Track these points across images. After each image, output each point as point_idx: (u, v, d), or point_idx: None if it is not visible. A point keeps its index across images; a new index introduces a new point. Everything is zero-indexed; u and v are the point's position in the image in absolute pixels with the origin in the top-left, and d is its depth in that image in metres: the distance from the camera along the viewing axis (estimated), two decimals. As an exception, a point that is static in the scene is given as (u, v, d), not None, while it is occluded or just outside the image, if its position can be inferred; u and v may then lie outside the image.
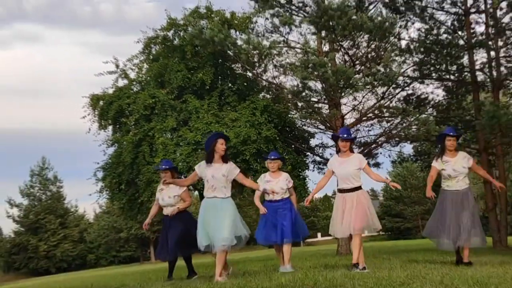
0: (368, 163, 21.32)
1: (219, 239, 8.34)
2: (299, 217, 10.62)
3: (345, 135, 9.21)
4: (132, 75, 20.64)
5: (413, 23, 21.07)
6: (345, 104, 20.30)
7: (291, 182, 10.43)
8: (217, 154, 8.73)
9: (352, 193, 8.98)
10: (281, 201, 10.09)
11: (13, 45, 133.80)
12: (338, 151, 9.55)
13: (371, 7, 20.40)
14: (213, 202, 8.61)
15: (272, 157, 10.43)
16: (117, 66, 20.46)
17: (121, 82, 20.44)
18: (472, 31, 20.64)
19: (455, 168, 9.55)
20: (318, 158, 21.69)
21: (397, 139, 21.01)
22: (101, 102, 20.21)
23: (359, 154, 9.75)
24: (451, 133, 9.77)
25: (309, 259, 14.25)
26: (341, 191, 9.14)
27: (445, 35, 20.88)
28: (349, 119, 20.42)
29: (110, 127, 20.58)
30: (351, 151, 9.34)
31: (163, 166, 10.70)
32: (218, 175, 8.59)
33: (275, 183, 10.09)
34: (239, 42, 18.43)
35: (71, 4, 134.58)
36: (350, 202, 8.93)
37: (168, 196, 10.44)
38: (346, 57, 20.18)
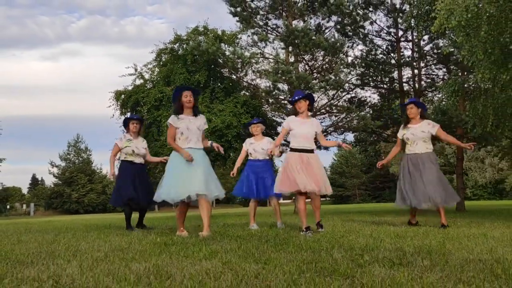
0: (319, 147, 21.60)
1: (197, 190, 6.62)
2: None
3: (298, 96, 7.22)
4: (147, 76, 20.56)
5: (357, 45, 21.19)
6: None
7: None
8: (185, 107, 7.00)
9: (312, 154, 7.08)
10: (263, 161, 8.78)
11: (60, 59, 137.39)
12: (296, 114, 7.36)
13: (326, 31, 20.41)
14: (189, 152, 6.78)
15: (255, 121, 9.08)
16: (136, 70, 20.41)
17: (138, 82, 20.38)
18: (401, 54, 20.85)
19: (414, 132, 7.94)
20: (283, 142, 21.67)
21: (342, 129, 21.09)
22: (122, 96, 20.14)
23: (316, 120, 7.73)
24: (410, 101, 8.25)
25: (273, 217, 14.16)
26: (300, 150, 6.98)
27: (381, 55, 21.08)
28: (307, 113, 20.41)
29: (128, 114, 20.51)
30: (310, 110, 7.41)
31: (135, 116, 9.08)
32: (193, 127, 6.91)
33: (257, 144, 8.82)
34: (227, 53, 18.36)
35: (104, 27, 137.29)
36: (306, 162, 6.91)
37: (142, 147, 8.88)
38: (307, 67, 20.18)
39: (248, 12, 19.33)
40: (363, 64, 20.31)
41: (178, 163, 6.83)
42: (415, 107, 8.11)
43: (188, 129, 6.89)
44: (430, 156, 7.93)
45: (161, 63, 20.55)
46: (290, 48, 18.95)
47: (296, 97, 7.24)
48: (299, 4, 19.47)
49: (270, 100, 20.01)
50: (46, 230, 9.80)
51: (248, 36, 19.94)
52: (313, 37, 17.59)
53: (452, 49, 15.22)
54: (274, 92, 19.20)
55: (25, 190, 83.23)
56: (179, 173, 6.75)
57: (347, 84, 20.16)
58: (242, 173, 9.07)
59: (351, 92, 21.45)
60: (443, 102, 19.55)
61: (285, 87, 19.16)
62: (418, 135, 7.92)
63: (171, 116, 6.98)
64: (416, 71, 20.83)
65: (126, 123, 9.02)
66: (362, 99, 21.72)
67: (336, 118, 21.01)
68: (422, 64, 21.02)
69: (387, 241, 5.38)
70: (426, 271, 3.28)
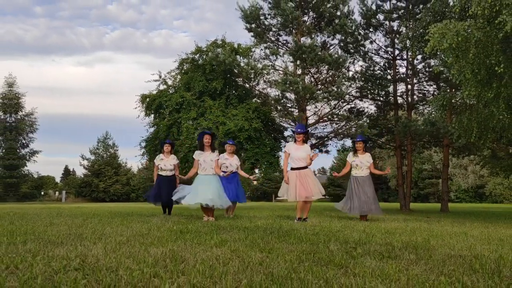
0: (321, 150, 21.58)
1: (209, 199, 8.19)
2: (240, 186, 10.37)
3: (299, 130, 8.68)
4: (170, 82, 20.61)
5: (358, 61, 21.13)
6: (309, 110, 20.22)
7: (239, 161, 10.35)
8: (205, 146, 8.62)
9: (305, 170, 8.42)
10: (232, 173, 9.92)
11: (94, 65, 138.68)
12: (295, 141, 8.68)
13: (331, 47, 20.35)
14: (205, 177, 8.41)
15: (230, 142, 10.37)
16: (160, 76, 20.50)
17: (162, 87, 20.44)
18: (396, 70, 20.76)
19: (362, 161, 9.51)
20: (289, 145, 21.65)
21: (342, 135, 21.03)
22: (147, 99, 20.21)
23: (307, 145, 8.95)
24: (358, 139, 9.73)
25: (277, 211, 14.19)
26: (296, 168, 8.44)
27: (378, 71, 21.02)
28: (311, 120, 20.41)
29: (152, 115, 20.59)
30: (304, 141, 8.68)
31: (168, 141, 10.92)
32: (208, 160, 8.48)
33: (230, 161, 10.02)
34: (242, 64, 18.35)
35: (134, 38, 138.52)
36: (303, 176, 8.35)
37: (170, 164, 10.38)
38: (312, 79, 20.12)
39: (261, 29, 19.35)
40: (363, 78, 20.27)
41: (198, 182, 8.52)
42: (362, 143, 9.68)
43: (205, 161, 8.51)
44: (369, 178, 9.58)
45: (183, 71, 20.59)
46: (298, 62, 18.93)
47: (299, 130, 8.68)
48: (307, 23, 19.47)
49: (279, 107, 20.01)
50: (75, 215, 9.85)
51: (261, 49, 19.99)
52: (319, 53, 17.61)
53: (442, 68, 15.18)
54: (282, 100, 19.26)
55: (58, 179, 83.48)
56: (197, 186, 8.41)
57: (347, 96, 20.08)
58: None
59: (351, 103, 21.36)
60: (432, 115, 19.46)
61: (292, 96, 19.20)
62: (364, 164, 9.53)
63: (196, 152, 8.71)
64: (409, 86, 20.81)
65: (162, 145, 10.78)
66: (361, 109, 21.64)
67: (337, 125, 20.96)
68: (415, 81, 20.98)
69: (378, 236, 5.37)
70: (412, 264, 3.28)
